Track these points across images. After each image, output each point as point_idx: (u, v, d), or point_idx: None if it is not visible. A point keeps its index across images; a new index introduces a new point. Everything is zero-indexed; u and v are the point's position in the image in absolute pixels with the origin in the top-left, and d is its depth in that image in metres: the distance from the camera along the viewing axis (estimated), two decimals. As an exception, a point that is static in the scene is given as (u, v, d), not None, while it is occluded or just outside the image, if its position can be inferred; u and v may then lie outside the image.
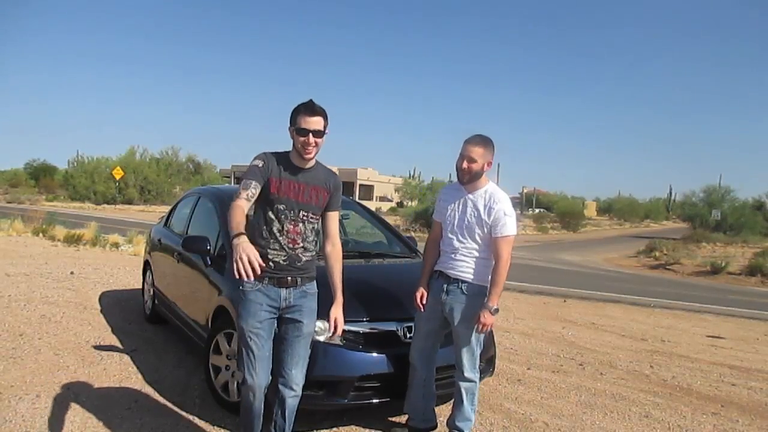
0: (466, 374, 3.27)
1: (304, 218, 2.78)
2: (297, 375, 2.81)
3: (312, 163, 2.78)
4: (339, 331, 2.89)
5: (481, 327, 3.14)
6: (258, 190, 2.69)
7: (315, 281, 2.89)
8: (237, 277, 2.37)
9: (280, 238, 2.74)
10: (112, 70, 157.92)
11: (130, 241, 12.90)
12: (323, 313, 2.90)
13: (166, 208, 9.03)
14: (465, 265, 3.24)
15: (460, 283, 3.23)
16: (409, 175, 65.96)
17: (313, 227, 2.84)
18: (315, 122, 2.67)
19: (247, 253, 2.35)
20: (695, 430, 3.86)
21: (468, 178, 3.20)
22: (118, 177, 39.41)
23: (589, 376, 4.91)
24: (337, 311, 2.87)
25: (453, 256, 3.27)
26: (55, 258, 10.06)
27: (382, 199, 62.69)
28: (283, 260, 2.75)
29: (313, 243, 2.86)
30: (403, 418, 3.57)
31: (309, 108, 2.68)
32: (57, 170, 57.10)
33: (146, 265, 6.11)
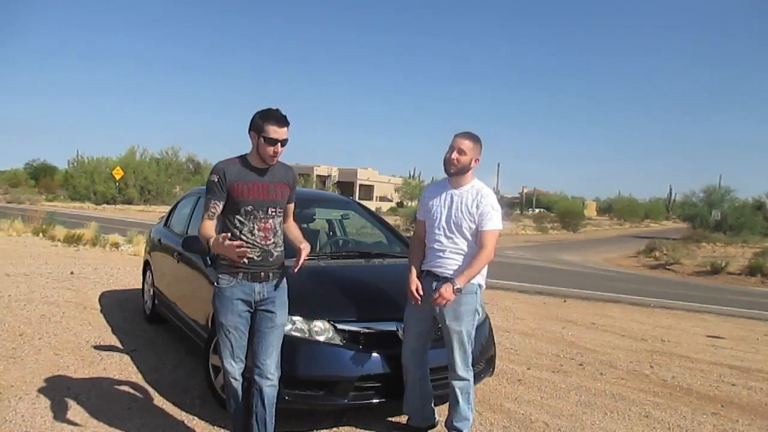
0: (460, 373, 3.26)
1: (273, 214, 2.92)
2: (271, 365, 2.92)
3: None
4: (302, 256, 2.89)
5: (438, 298, 3.11)
6: (220, 206, 2.86)
7: (284, 275, 3.01)
8: (243, 259, 2.75)
9: (252, 238, 2.86)
10: (112, 70, 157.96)
11: (130, 241, 12.90)
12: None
13: (166, 208, 9.04)
14: (454, 263, 3.24)
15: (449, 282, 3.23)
16: (409, 175, 66.00)
17: (280, 221, 2.98)
18: (284, 132, 2.80)
19: (229, 246, 2.66)
20: (695, 430, 3.86)
21: (455, 170, 3.23)
22: (118, 177, 39.40)
23: (589, 376, 4.91)
24: (304, 245, 2.95)
25: (441, 254, 3.27)
26: (55, 258, 10.06)
27: (382, 199, 62.68)
28: (257, 257, 2.87)
29: (281, 236, 2.99)
30: (402, 419, 3.57)
31: (280, 119, 2.79)
32: (57, 170, 57.10)
33: (146, 265, 6.11)
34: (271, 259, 2.91)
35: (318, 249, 4.73)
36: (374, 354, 3.34)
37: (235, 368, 2.91)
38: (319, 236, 5.07)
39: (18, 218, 15.20)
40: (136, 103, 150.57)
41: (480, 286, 3.31)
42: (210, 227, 2.85)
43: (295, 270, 2.94)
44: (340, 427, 3.51)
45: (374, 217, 5.22)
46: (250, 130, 2.84)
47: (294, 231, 3.12)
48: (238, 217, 2.85)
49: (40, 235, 13.74)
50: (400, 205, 55.83)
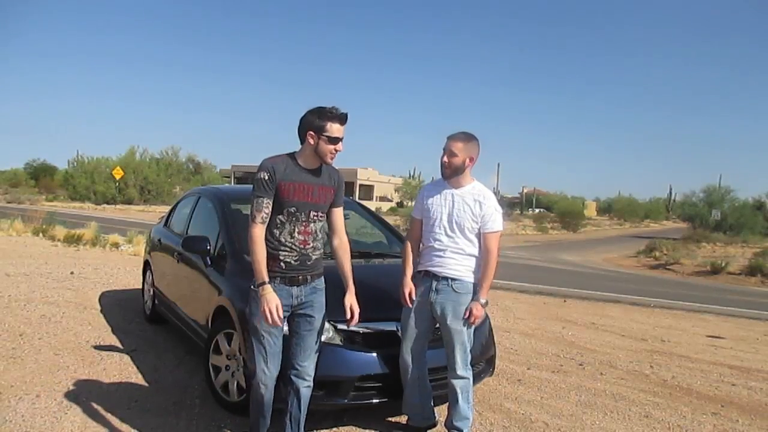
0: (459, 372, 3.26)
1: (315, 218, 2.85)
2: (309, 366, 2.93)
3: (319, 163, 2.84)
4: (356, 318, 2.97)
5: (473, 319, 3.21)
6: (270, 206, 2.76)
7: (323, 277, 2.98)
8: (269, 323, 2.71)
9: (291, 241, 2.80)
10: (112, 70, 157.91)
11: (130, 241, 12.89)
12: (334, 308, 3.01)
13: (166, 208, 9.03)
14: (454, 263, 3.25)
15: (450, 281, 3.24)
16: (409, 175, 65.95)
17: (322, 225, 2.93)
18: (343, 131, 2.77)
19: (270, 307, 2.68)
20: (695, 430, 3.86)
21: (449, 173, 3.25)
22: (118, 177, 39.41)
23: (589, 376, 4.91)
24: (351, 299, 2.97)
25: (441, 254, 3.27)
26: (55, 258, 10.06)
27: (382, 199, 62.68)
28: (295, 260, 2.83)
29: (321, 241, 2.94)
30: (402, 419, 3.57)
31: (342, 117, 2.75)
32: (57, 170, 57.11)
33: (146, 265, 6.11)
34: (308, 263, 2.86)
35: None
36: (374, 354, 3.34)
37: (267, 375, 2.83)
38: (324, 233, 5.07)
39: (18, 218, 15.18)
40: (136, 103, 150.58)
41: (475, 284, 3.30)
42: (260, 236, 2.73)
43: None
44: (340, 427, 3.51)
45: (374, 217, 5.22)
46: (306, 130, 2.74)
47: (345, 265, 3.00)
48: (279, 217, 2.78)
49: (40, 235, 13.74)
50: (400, 205, 55.85)
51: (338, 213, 2.99)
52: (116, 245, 12.43)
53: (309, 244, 2.84)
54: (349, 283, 3.00)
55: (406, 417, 3.50)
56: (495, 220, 3.25)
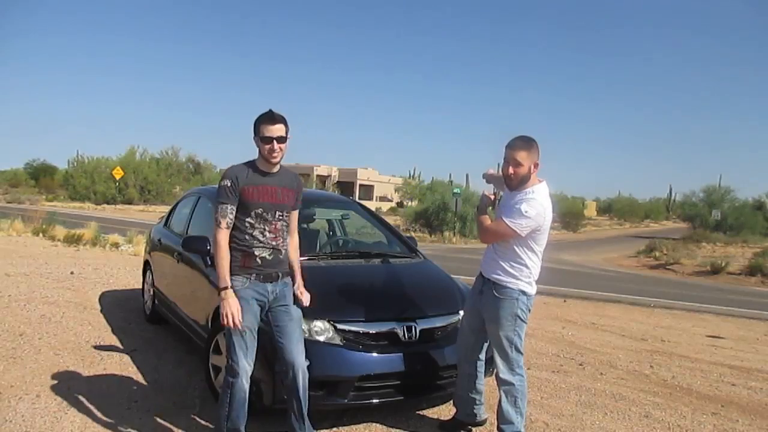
0: (502, 376, 3.23)
1: (280, 217, 3.00)
2: (300, 353, 3.02)
3: (278, 167, 3.01)
4: (306, 300, 3.11)
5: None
6: (234, 212, 2.91)
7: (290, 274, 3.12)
8: (230, 325, 2.82)
9: (264, 239, 2.95)
10: (112, 70, 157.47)
11: (130, 241, 12.89)
12: (334, 308, 3.17)
13: (166, 208, 9.03)
14: (495, 266, 3.21)
15: (491, 284, 3.22)
16: (409, 175, 65.67)
17: (286, 224, 3.06)
18: (277, 129, 2.89)
19: (232, 310, 2.80)
20: (695, 430, 3.86)
21: (516, 183, 3.14)
22: (118, 177, 39.36)
23: (589, 376, 4.91)
24: (301, 288, 3.13)
25: (489, 254, 3.30)
26: (55, 258, 10.06)
27: (382, 199, 62.61)
28: (269, 255, 2.96)
29: (287, 239, 3.08)
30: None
31: (270, 117, 2.91)
32: (57, 170, 57.01)
33: (146, 265, 6.11)
34: (280, 257, 3.02)
35: (318, 249, 4.74)
36: (374, 354, 3.34)
37: (248, 370, 2.93)
38: (319, 236, 5.07)
39: (18, 218, 15.17)
40: (136, 103, 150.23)
41: (523, 292, 3.16)
42: (225, 241, 2.89)
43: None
44: (340, 428, 3.51)
45: (374, 217, 5.22)
46: (254, 136, 2.93)
47: (295, 261, 3.15)
48: (248, 219, 2.93)
49: (40, 235, 13.73)
50: (400, 205, 55.75)
51: (294, 214, 3.14)
52: (116, 245, 12.43)
53: (279, 240, 3.00)
54: (297, 276, 3.14)
55: (455, 409, 3.56)
56: (512, 213, 3.05)
